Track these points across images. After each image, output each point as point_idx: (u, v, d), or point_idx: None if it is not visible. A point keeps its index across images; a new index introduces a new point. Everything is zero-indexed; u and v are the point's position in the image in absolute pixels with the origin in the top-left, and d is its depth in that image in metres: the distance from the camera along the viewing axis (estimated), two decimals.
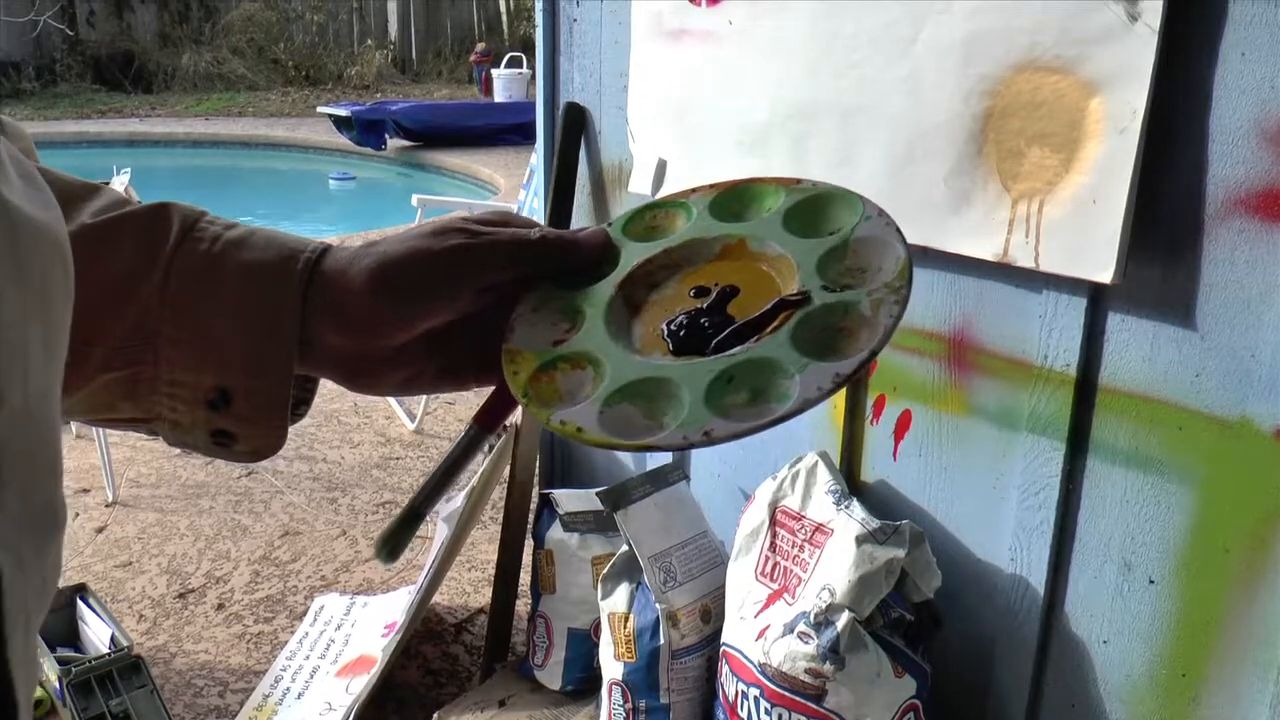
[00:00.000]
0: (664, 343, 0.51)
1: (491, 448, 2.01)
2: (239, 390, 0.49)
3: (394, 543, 0.53)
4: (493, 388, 0.56)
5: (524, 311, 0.54)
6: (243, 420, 0.50)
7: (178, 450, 3.36)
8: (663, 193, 1.83)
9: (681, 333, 0.50)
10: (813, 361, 0.46)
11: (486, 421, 0.55)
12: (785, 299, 0.50)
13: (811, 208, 0.55)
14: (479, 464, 2.05)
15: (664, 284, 0.54)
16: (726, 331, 0.49)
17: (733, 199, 0.57)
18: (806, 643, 1.39)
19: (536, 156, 2.49)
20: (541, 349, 0.52)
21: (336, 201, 9.50)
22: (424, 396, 3.55)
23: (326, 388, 0.57)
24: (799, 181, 0.56)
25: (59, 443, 0.33)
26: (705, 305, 0.52)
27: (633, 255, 0.56)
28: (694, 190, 0.59)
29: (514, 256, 0.53)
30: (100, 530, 2.90)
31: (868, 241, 0.51)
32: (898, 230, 0.51)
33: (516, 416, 1.96)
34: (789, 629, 1.42)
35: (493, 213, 0.55)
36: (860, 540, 1.43)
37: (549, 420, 0.48)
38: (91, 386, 0.49)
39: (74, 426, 3.41)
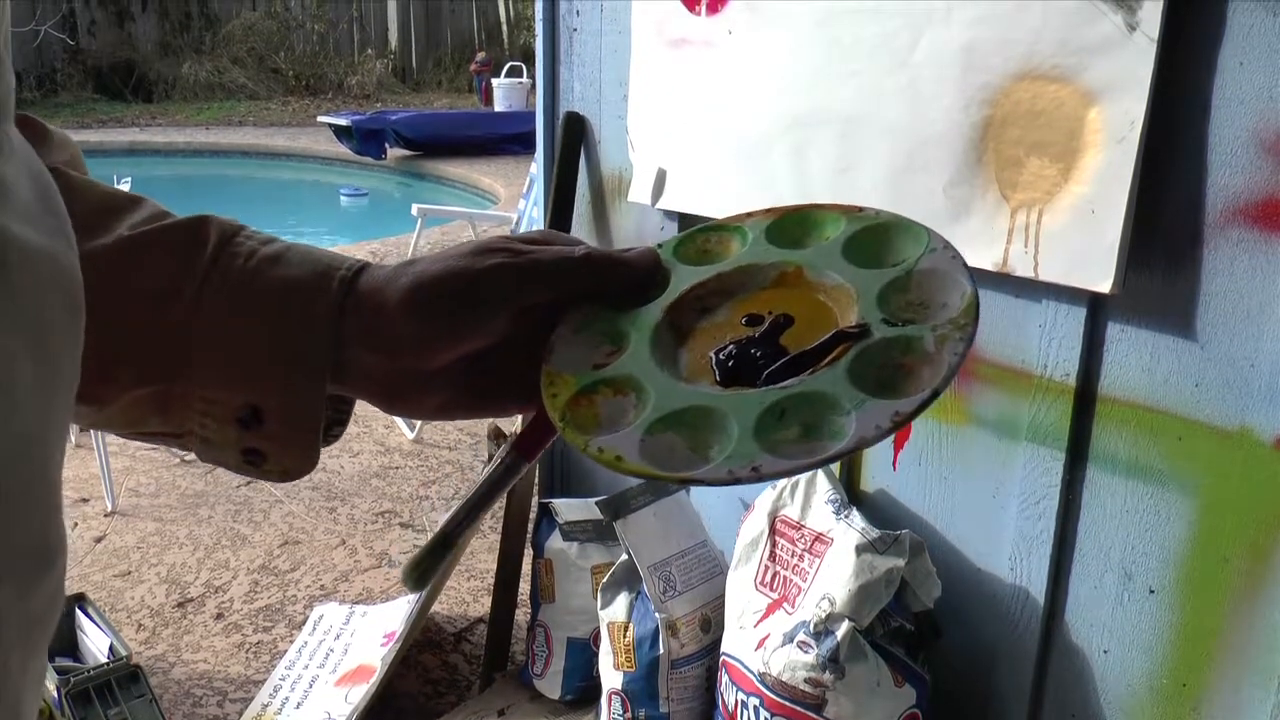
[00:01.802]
0: (711, 372, 0.48)
1: (492, 456, 2.01)
2: (270, 409, 0.48)
3: (422, 569, 0.51)
4: (533, 415, 0.53)
5: (565, 333, 0.51)
6: (274, 439, 0.49)
7: (177, 460, 3.36)
8: (662, 202, 1.83)
9: (730, 363, 0.48)
10: (870, 399, 0.44)
11: (525, 448, 0.52)
12: (843, 331, 0.47)
13: (873, 237, 0.52)
14: (479, 472, 2.05)
15: (715, 310, 0.52)
16: (779, 363, 0.47)
17: (791, 225, 0.55)
18: (806, 652, 1.39)
19: (536, 166, 2.49)
20: (582, 371, 0.49)
21: (336, 210, 9.47)
22: None
23: None
24: (861, 210, 0.54)
25: (53, 480, 0.32)
26: (757, 334, 0.49)
27: (683, 279, 0.53)
28: (750, 215, 0.56)
29: (557, 276, 0.51)
30: (99, 540, 2.90)
31: (932, 274, 0.49)
32: (964, 264, 0.49)
33: (517, 426, 1.96)
34: (789, 638, 1.42)
35: (537, 231, 0.53)
36: (860, 550, 1.43)
37: (586, 447, 0.46)
38: (123, 401, 0.48)
39: (73, 435, 3.41)
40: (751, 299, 0.52)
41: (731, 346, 0.49)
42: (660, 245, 0.56)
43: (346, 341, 0.49)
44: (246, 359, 0.48)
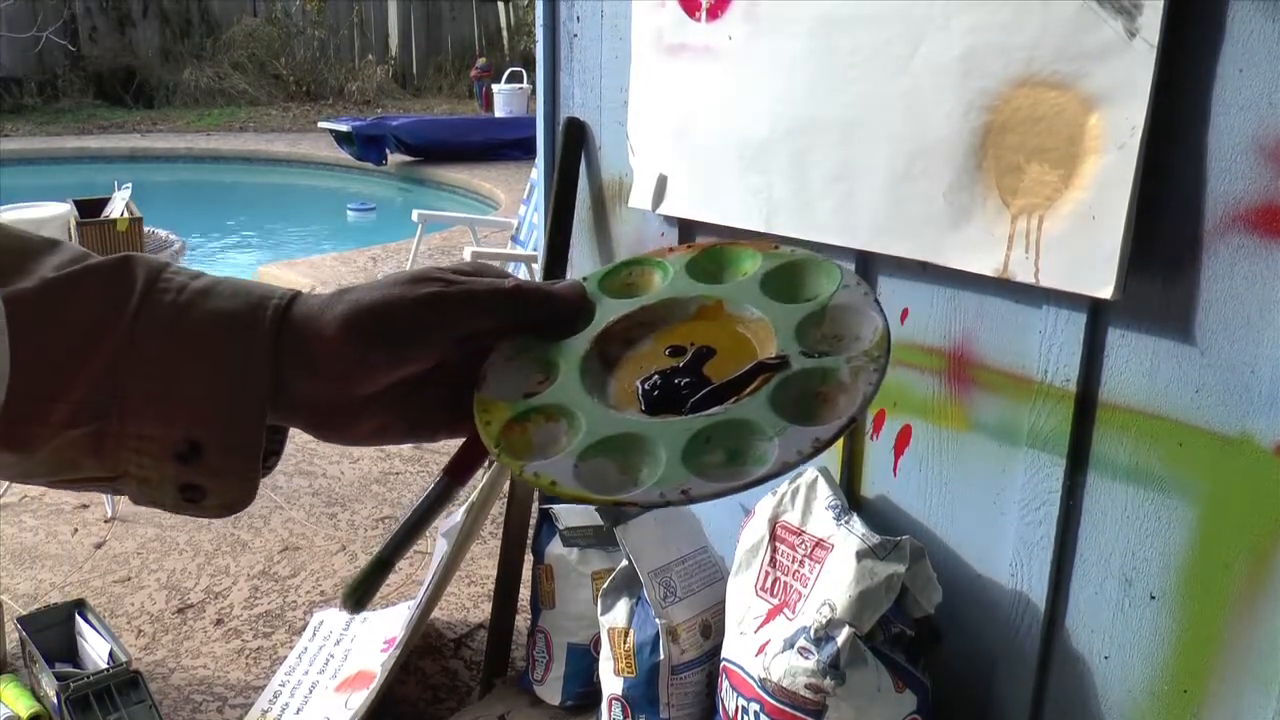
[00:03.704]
0: (638, 401, 0.51)
1: (491, 463, 2.01)
2: (210, 442, 0.48)
3: (361, 592, 0.52)
4: (463, 440, 0.55)
5: (497, 361, 0.54)
6: (213, 473, 0.49)
7: None
8: (663, 208, 1.83)
9: (655, 392, 0.50)
10: (791, 425, 0.46)
11: (457, 473, 0.54)
12: (764, 362, 0.49)
13: (789, 274, 0.55)
14: (479, 478, 2.05)
15: (639, 341, 0.54)
16: (703, 392, 0.49)
17: (709, 260, 0.57)
18: (807, 658, 1.39)
19: (537, 172, 2.50)
20: (514, 399, 0.52)
21: (337, 216, 9.44)
22: None
23: None
24: (776, 247, 0.57)
25: None
26: (680, 365, 0.52)
27: (608, 311, 0.55)
28: (671, 249, 0.59)
29: (489, 307, 0.52)
30: (99, 545, 2.90)
31: (845, 310, 0.51)
32: (876, 300, 0.52)
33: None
34: (789, 644, 1.42)
35: (468, 263, 0.55)
36: (860, 555, 1.42)
37: (522, 471, 0.48)
38: (54, 444, 0.47)
39: None
40: (674, 331, 0.54)
41: (656, 376, 0.51)
42: (586, 278, 0.58)
43: (283, 369, 0.49)
44: (184, 393, 0.48)
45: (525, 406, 0.51)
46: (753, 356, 0.51)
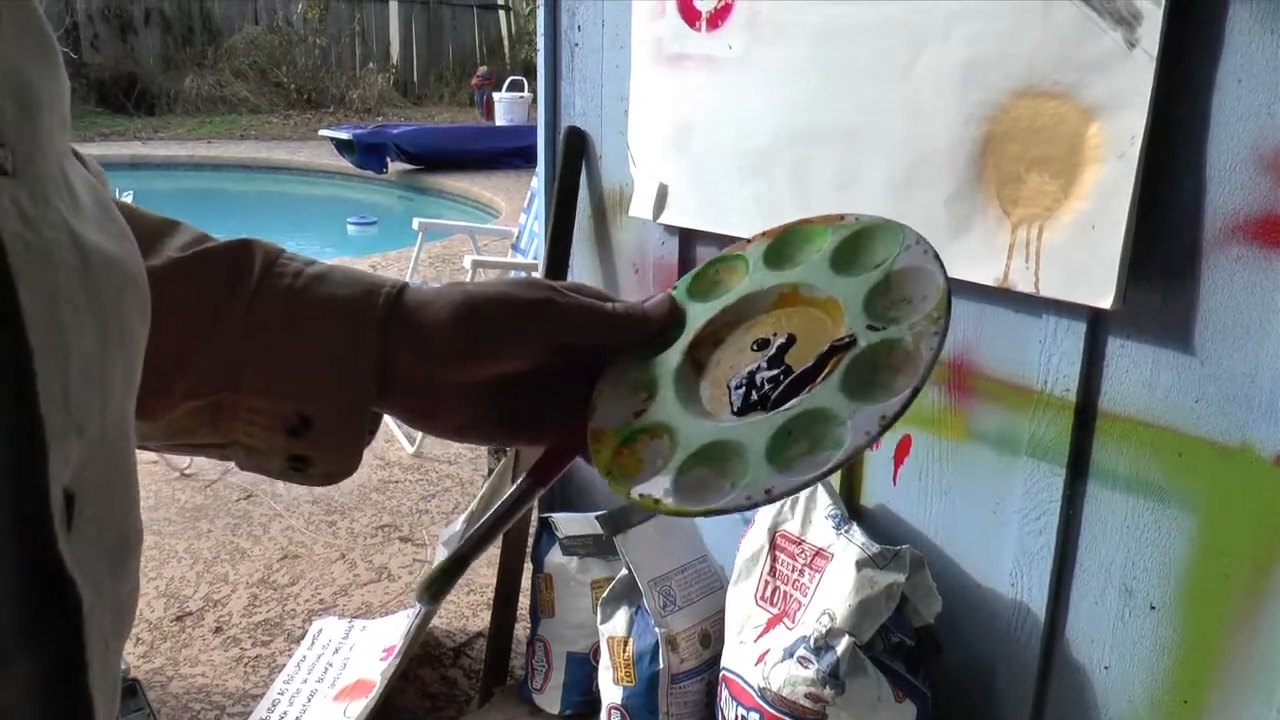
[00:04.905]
0: (729, 404, 0.53)
1: (491, 471, 2.01)
2: (319, 417, 0.52)
3: (436, 588, 0.54)
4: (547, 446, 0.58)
5: (603, 388, 0.57)
6: (321, 446, 0.52)
7: (176, 474, 3.35)
8: (664, 217, 1.83)
9: (742, 390, 0.53)
10: (861, 406, 0.48)
11: (540, 476, 0.57)
12: (834, 345, 0.52)
13: (855, 243, 0.57)
14: (478, 486, 2.05)
15: (727, 340, 0.57)
16: (784, 384, 0.52)
17: (784, 244, 0.60)
18: (806, 667, 1.38)
19: (537, 180, 2.50)
20: (621, 424, 0.55)
21: (338, 223, 9.44)
22: None
23: None
24: (842, 217, 0.59)
25: (134, 470, 0.34)
26: (765, 360, 0.54)
27: (697, 317, 0.59)
28: (749, 241, 0.62)
29: (592, 325, 0.56)
30: None
31: (908, 272, 0.53)
32: (936, 257, 0.53)
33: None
34: (789, 653, 1.41)
35: (573, 283, 0.58)
36: (860, 565, 1.42)
37: (630, 495, 0.51)
38: (174, 414, 0.51)
39: None
40: (758, 323, 0.57)
41: (744, 374, 0.54)
42: (675, 287, 0.62)
43: (390, 351, 0.53)
44: (298, 371, 0.51)
45: (630, 430, 0.54)
46: (828, 338, 0.53)
